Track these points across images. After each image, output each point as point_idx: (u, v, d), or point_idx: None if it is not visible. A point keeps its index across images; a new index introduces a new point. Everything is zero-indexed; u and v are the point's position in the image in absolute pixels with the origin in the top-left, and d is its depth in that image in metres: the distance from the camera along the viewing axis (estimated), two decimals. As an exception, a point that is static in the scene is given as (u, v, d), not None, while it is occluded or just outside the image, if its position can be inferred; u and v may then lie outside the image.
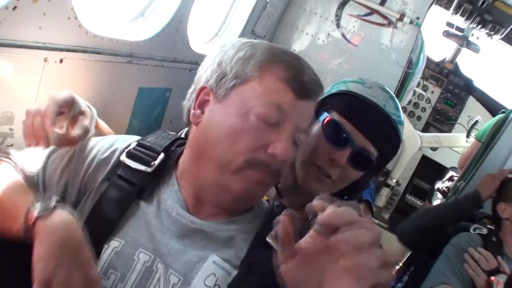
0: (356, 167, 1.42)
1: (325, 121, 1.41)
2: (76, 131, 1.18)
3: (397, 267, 2.79)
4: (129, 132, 1.84)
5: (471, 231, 2.37)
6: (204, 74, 1.11)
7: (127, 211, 1.04)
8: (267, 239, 0.84)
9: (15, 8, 1.12)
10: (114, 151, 1.12)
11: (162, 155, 1.12)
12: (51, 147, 1.14)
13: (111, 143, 1.14)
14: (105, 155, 1.11)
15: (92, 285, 0.87)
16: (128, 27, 1.81)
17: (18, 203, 0.95)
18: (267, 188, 1.10)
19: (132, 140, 1.15)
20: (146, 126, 1.99)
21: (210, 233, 1.05)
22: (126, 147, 1.12)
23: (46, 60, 1.28)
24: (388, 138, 1.43)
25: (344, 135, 1.38)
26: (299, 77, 1.04)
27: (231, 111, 1.04)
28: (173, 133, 1.25)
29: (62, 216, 0.92)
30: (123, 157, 1.10)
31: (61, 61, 1.34)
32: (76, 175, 1.09)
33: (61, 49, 1.34)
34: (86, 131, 1.21)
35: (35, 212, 0.90)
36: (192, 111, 1.10)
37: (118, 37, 1.61)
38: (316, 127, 1.42)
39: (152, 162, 1.10)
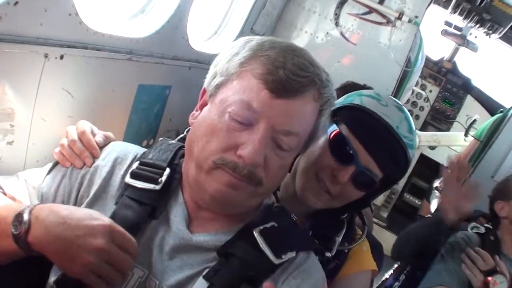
0: (357, 187, 1.36)
1: (333, 134, 1.35)
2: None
3: (395, 266, 2.79)
4: (128, 128, 1.85)
5: (469, 230, 2.35)
6: (207, 75, 1.09)
7: (139, 232, 1.03)
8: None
9: (16, 3, 1.11)
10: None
11: (168, 170, 1.10)
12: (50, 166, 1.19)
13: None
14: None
15: (113, 229, 0.88)
16: (128, 24, 1.81)
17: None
18: (244, 193, 1.01)
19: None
20: (145, 123, 1.99)
21: (208, 247, 1.04)
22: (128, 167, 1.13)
23: (47, 56, 1.28)
24: (396, 162, 1.36)
25: (349, 152, 1.32)
26: (274, 72, 0.95)
27: (213, 110, 1.01)
28: (173, 142, 1.23)
29: (42, 212, 0.90)
30: (128, 179, 1.09)
31: (61, 57, 1.33)
32: (70, 192, 1.12)
33: (62, 45, 1.33)
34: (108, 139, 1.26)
35: (22, 228, 0.87)
36: (193, 112, 1.10)
37: (118, 34, 1.61)
38: (323, 139, 1.34)
39: (160, 179, 1.08)
